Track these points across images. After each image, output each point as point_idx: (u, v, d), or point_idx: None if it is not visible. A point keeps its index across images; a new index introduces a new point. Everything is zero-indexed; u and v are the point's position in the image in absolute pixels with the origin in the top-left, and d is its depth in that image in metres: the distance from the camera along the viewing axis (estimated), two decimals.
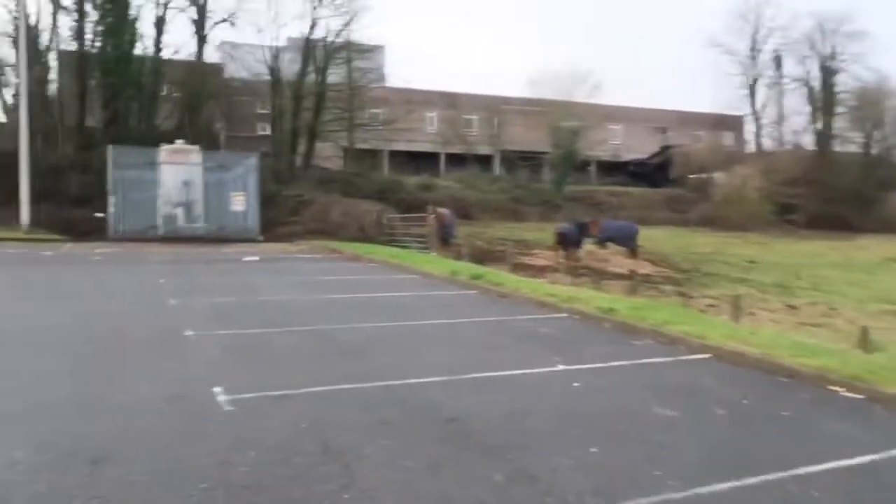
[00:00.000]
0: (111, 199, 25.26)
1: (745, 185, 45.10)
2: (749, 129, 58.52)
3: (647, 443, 4.94)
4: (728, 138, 58.27)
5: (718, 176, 49.82)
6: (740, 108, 57.67)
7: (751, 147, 57.19)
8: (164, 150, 26.42)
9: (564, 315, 10.51)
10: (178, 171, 26.21)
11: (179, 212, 25.94)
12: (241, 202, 26.72)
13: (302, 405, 5.58)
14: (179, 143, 27.32)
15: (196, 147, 27.70)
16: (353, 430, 5.00)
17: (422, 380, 6.46)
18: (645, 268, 23.75)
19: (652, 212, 45.25)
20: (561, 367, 7.22)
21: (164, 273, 15.10)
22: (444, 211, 23.14)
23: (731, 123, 58.60)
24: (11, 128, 29.17)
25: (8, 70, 33.48)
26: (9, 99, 34.35)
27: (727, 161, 49.93)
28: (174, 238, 25.50)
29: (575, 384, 6.53)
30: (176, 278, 14.18)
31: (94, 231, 26.13)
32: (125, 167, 25.56)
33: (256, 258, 19.38)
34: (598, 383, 6.59)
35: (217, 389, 5.95)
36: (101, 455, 4.40)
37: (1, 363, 6.79)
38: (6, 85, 34.36)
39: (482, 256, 22.94)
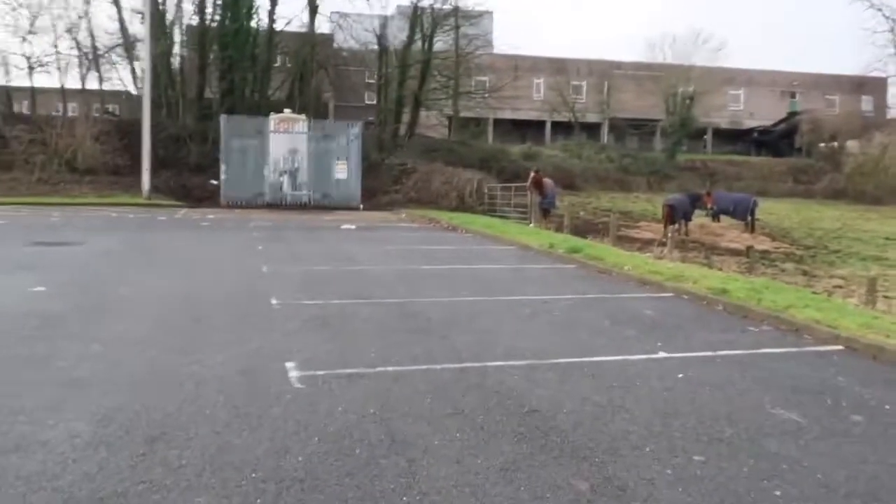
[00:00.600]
0: (223, 167, 26.24)
1: (883, 154, 40.84)
2: (893, 93, 52.98)
3: (763, 454, 4.16)
4: (867, 103, 52.95)
5: (852, 144, 45.51)
6: (884, 69, 52.12)
7: (893, 113, 51.65)
8: (273, 120, 27.08)
9: (670, 295, 9.61)
10: (285, 139, 26.81)
11: (285, 179, 26.63)
12: (343, 170, 27.04)
13: (373, 387, 5.19)
14: (287, 113, 27.89)
15: (302, 116, 28.22)
16: (423, 419, 4.54)
17: (504, 363, 5.91)
18: (763, 243, 22.20)
19: (774, 183, 42.24)
20: (663, 354, 6.45)
21: (263, 239, 15.36)
22: (546, 180, 22.22)
23: (871, 86, 53.06)
24: (141, 99, 30.93)
25: (139, 45, 35.45)
26: (139, 72, 36.45)
27: (864, 128, 45.51)
28: (279, 205, 26.24)
29: (679, 376, 5.76)
30: (274, 245, 14.35)
31: (209, 198, 27.38)
32: (236, 136, 26.43)
33: (353, 227, 19.42)
34: (706, 376, 5.78)
35: (290, 364, 5.69)
36: (158, 433, 4.18)
37: (85, 328, 6.86)
38: (137, 59, 36.46)
39: (584, 228, 22.22)
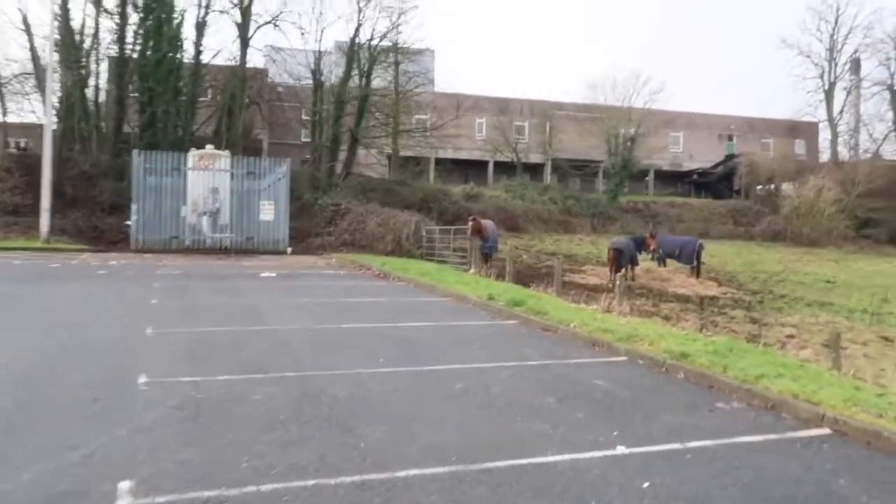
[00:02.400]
0: (134, 207, 24.34)
1: (818, 196, 41.87)
2: (824, 136, 54.87)
3: None
4: (800, 146, 54.76)
5: (788, 187, 46.64)
6: (814, 114, 54.20)
7: (825, 156, 53.53)
8: (193, 156, 25.45)
9: (623, 359, 8.49)
10: (205, 177, 25.21)
11: (205, 221, 24.90)
12: (270, 211, 25.51)
13: None
14: (209, 149, 26.29)
15: (226, 152, 26.71)
16: None
17: (420, 471, 4.55)
18: (710, 288, 21.88)
19: (714, 225, 42.72)
20: (621, 449, 5.21)
21: (163, 291, 13.66)
22: (485, 222, 21.24)
23: (803, 131, 55.03)
24: (53, 132, 28.75)
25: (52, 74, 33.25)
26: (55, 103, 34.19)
27: (799, 171, 46.79)
28: (198, 249, 24.43)
29: (644, 485, 4.50)
30: (173, 299, 12.69)
31: (122, 241, 25.34)
32: (152, 173, 24.62)
33: (273, 274, 17.98)
34: (678, 485, 4.54)
35: (124, 486, 4.19)
36: None
37: None
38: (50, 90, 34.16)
39: (527, 274, 21.36)
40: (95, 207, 27.64)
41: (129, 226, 24.88)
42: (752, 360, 7.89)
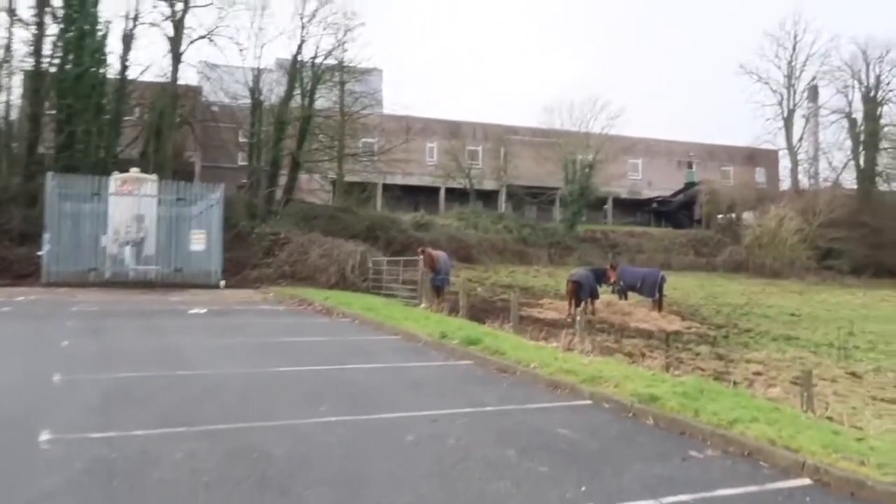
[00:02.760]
0: (46, 236, 23.32)
1: (780, 226, 43.30)
2: (783, 164, 56.99)
3: None
4: (760, 174, 56.70)
5: (749, 216, 48.13)
6: (774, 141, 56.26)
7: (785, 184, 55.53)
8: (115, 179, 24.65)
9: (588, 403, 8.37)
10: (129, 203, 24.43)
11: (128, 251, 24.06)
12: (201, 241, 24.84)
13: None
14: (134, 172, 25.53)
15: (153, 176, 25.98)
16: None
17: None
18: (673, 323, 22.17)
19: (675, 255, 43.67)
20: None
21: (76, 331, 12.99)
22: (437, 253, 21.12)
23: (763, 158, 57.04)
24: None
25: None
26: None
27: (759, 199, 48.38)
28: (119, 283, 23.56)
29: None
30: (87, 340, 12.06)
31: (33, 273, 24.23)
32: (68, 199, 23.69)
33: (204, 311, 17.47)
34: None
35: None
36: None
37: None
38: None
39: (482, 308, 21.27)
40: (3, 236, 26.39)
41: (40, 257, 23.80)
42: (725, 403, 7.86)
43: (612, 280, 24.22)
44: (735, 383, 11.67)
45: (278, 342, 12.85)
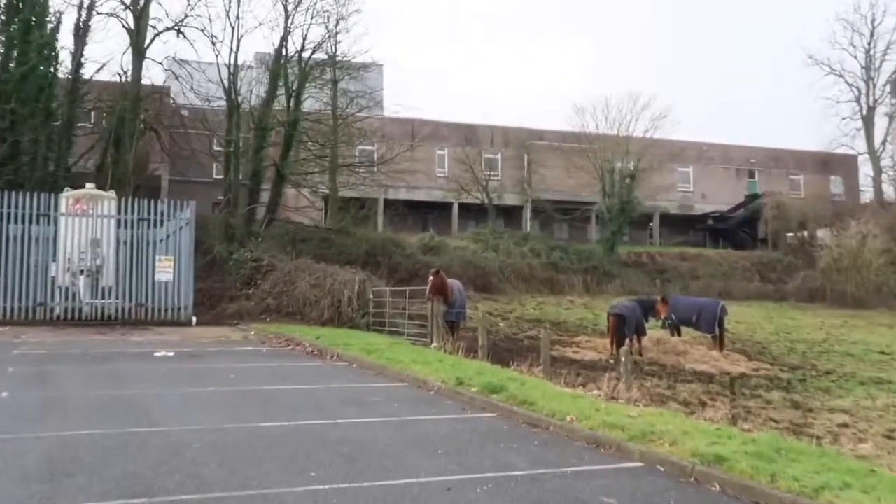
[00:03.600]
0: None
1: (862, 246, 42.96)
2: (864, 172, 56.64)
3: None
4: (836, 184, 56.38)
5: (825, 234, 47.78)
6: (852, 144, 56.04)
7: (867, 195, 55.16)
8: (67, 197, 24.83)
9: (638, 465, 8.27)
10: (83, 225, 24.62)
11: (82, 282, 24.13)
12: (168, 270, 24.91)
13: None
14: (90, 188, 25.71)
15: (111, 193, 26.17)
16: None
17: None
18: (738, 364, 22.26)
19: (737, 282, 43.48)
20: None
21: (18, 380, 12.96)
22: (451, 282, 21.07)
23: (839, 165, 56.77)
24: None
25: None
26: None
27: (836, 214, 48.07)
28: (71, 320, 23.64)
29: None
30: (31, 389, 12.04)
31: None
32: (11, 219, 23.92)
33: (171, 353, 17.41)
34: None
35: None
36: None
37: None
38: None
39: (506, 347, 21.17)
40: None
41: None
42: (808, 465, 7.77)
43: (662, 315, 24.10)
44: (818, 438, 11.47)
45: (260, 391, 12.76)
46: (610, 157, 45.37)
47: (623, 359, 14.38)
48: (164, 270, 24.97)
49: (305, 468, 7.61)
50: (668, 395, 16.01)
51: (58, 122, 31.63)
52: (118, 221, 25.19)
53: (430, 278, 20.63)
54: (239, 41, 39.21)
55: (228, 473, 7.41)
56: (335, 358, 17.51)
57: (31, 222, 24.21)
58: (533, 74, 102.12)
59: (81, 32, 33.02)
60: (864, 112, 55.37)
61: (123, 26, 33.86)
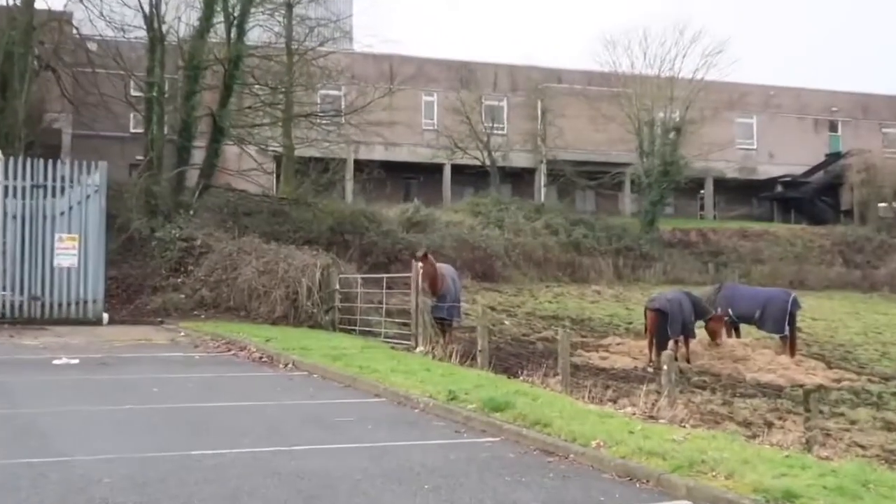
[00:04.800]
0: None
1: None
2: None
3: None
4: None
5: None
6: None
7: None
8: None
9: (683, 503, 8.24)
10: None
11: None
12: (72, 251, 24.86)
13: None
14: None
15: None
16: None
17: None
18: (814, 372, 22.40)
19: (813, 266, 43.77)
20: None
21: None
22: (442, 267, 21.09)
23: None
24: None
25: None
26: None
27: None
28: None
29: None
30: None
31: None
32: None
33: (76, 361, 17.50)
34: None
35: None
36: None
37: None
38: None
39: (513, 352, 21.27)
40: None
41: None
42: None
43: (718, 309, 24.20)
44: None
45: (192, 409, 12.89)
46: (649, 105, 45.37)
47: (665, 366, 14.46)
48: (66, 253, 25.06)
49: None
50: (724, 414, 16.16)
51: None
52: (4, 189, 25.20)
53: (419, 265, 20.53)
54: None
55: None
56: (290, 366, 17.64)
57: None
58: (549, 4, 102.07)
59: None
60: None
61: None
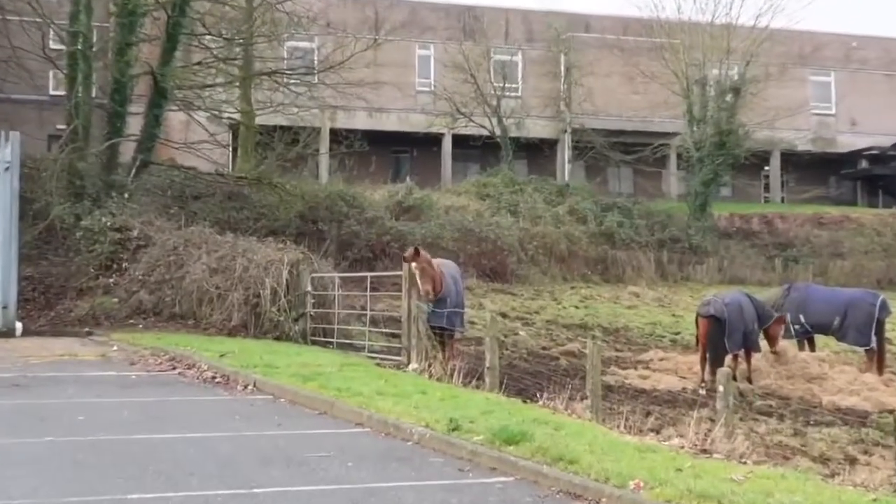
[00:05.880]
0: None
1: None
2: None
3: None
4: None
5: None
6: None
7: None
8: None
9: None
10: None
11: None
12: None
13: None
14: None
15: None
16: None
17: None
18: None
19: None
20: None
21: None
22: (440, 264, 21.09)
23: None
24: None
25: None
26: None
27: None
28: None
29: None
30: None
31: None
32: None
33: None
34: None
35: None
36: None
37: None
38: None
39: (529, 370, 21.43)
40: None
41: None
42: None
43: (786, 316, 24.19)
44: None
45: (127, 443, 12.90)
46: (700, 60, 45.41)
47: (721, 387, 14.48)
48: None
49: None
50: (795, 447, 16.15)
51: None
52: None
53: (412, 265, 20.42)
54: None
55: None
56: (251, 388, 17.69)
57: None
58: None
59: None
60: None
61: None
